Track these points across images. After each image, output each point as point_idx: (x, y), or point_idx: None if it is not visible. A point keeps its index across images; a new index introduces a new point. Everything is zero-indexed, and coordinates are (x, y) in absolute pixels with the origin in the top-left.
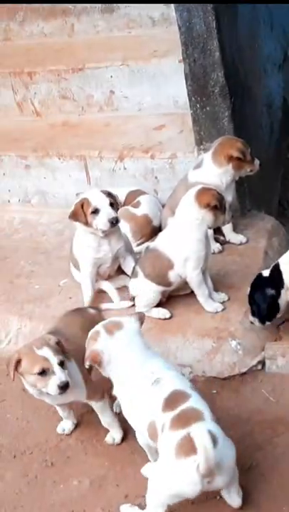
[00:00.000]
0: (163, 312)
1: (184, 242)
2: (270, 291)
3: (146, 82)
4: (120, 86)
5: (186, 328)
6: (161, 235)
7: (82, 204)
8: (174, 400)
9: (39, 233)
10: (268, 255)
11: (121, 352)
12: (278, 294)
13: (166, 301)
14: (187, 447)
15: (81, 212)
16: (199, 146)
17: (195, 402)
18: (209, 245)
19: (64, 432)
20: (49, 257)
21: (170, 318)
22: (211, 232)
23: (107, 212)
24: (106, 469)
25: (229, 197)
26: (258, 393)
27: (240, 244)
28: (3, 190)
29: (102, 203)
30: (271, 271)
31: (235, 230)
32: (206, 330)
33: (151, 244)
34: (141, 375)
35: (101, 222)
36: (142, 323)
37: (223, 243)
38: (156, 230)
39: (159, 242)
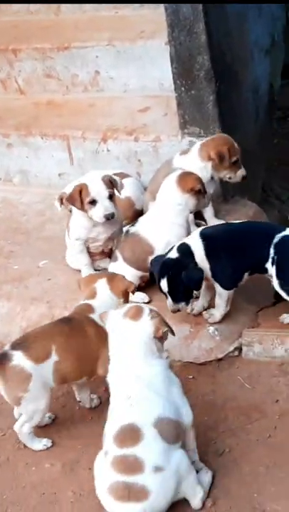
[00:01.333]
0: (142, 296)
1: (166, 228)
2: (195, 265)
3: (132, 64)
4: (106, 66)
5: (164, 313)
6: (141, 219)
7: (81, 190)
8: (125, 436)
9: (20, 213)
10: None
11: (118, 342)
12: None
13: (145, 285)
14: (120, 494)
15: (78, 198)
16: (183, 129)
17: (143, 448)
18: (190, 230)
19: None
20: (29, 238)
21: (149, 302)
22: (191, 217)
23: (104, 207)
24: (79, 453)
25: (211, 189)
26: (233, 379)
27: None
28: None
29: (101, 195)
30: (180, 250)
31: (217, 215)
32: (184, 315)
33: (131, 228)
34: (124, 379)
35: (96, 215)
36: (158, 335)
37: None
38: (138, 213)
39: (140, 227)
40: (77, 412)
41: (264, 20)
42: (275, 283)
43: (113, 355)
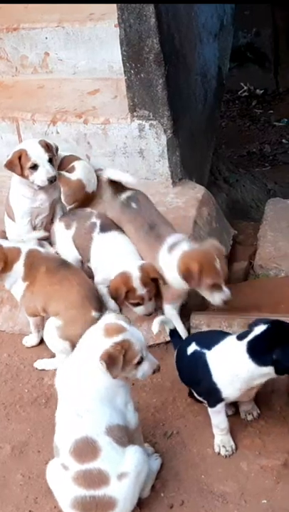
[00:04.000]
0: None
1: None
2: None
3: (82, 46)
4: (55, 48)
5: None
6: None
7: (20, 156)
8: (82, 450)
9: None
10: (198, 225)
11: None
12: None
13: None
14: (88, 507)
15: (17, 164)
16: (133, 112)
17: (104, 459)
18: None
19: (26, 344)
20: None
21: None
22: None
23: (46, 170)
24: (28, 435)
25: None
26: None
27: None
28: None
29: (42, 159)
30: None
31: (165, 198)
32: None
33: None
34: (71, 388)
35: (39, 179)
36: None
37: None
38: (89, 196)
39: None
40: (26, 394)
41: (213, 4)
42: None
43: (68, 360)
